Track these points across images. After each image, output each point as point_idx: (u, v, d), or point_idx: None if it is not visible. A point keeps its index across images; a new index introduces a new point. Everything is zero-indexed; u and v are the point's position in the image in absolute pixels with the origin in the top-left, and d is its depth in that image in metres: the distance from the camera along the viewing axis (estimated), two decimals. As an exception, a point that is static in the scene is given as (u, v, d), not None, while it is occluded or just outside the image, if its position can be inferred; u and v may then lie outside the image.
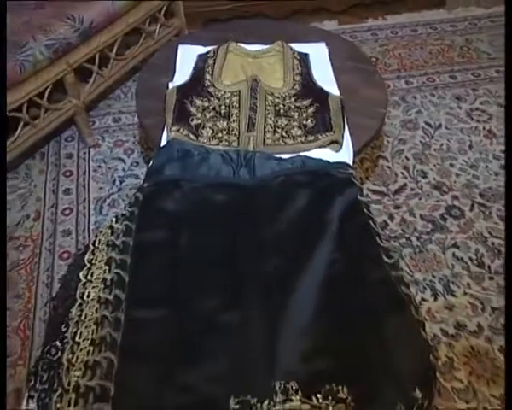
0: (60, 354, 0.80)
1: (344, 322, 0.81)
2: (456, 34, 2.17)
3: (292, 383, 0.72)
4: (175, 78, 1.32)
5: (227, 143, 1.13)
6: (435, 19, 2.25)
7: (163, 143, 1.15)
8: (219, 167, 1.05)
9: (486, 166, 1.60)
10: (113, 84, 1.77)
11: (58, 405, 0.73)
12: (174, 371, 0.75)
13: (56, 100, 1.57)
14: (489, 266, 1.34)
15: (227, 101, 1.20)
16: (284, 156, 1.08)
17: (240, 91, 1.21)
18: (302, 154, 1.10)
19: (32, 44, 1.41)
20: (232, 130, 1.15)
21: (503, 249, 1.37)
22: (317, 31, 1.67)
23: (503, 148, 1.66)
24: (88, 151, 1.69)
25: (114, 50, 1.66)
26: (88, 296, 0.86)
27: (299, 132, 1.15)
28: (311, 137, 1.14)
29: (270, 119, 1.16)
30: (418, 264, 1.35)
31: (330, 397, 0.71)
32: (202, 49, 1.39)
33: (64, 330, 0.82)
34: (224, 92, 1.22)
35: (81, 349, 0.78)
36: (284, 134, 1.14)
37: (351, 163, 1.09)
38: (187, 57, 1.37)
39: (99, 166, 1.64)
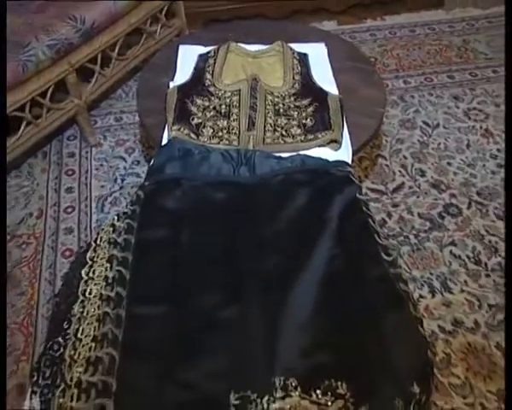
0: (62, 350, 0.79)
1: (343, 318, 0.81)
2: (453, 35, 2.17)
3: (291, 379, 0.72)
4: (176, 77, 1.32)
5: (227, 141, 1.12)
6: (433, 19, 2.25)
7: (164, 142, 1.14)
8: (220, 166, 1.05)
9: (483, 165, 1.60)
10: (115, 83, 1.77)
11: (61, 400, 0.73)
12: (175, 367, 0.75)
13: (58, 99, 1.56)
14: (486, 264, 1.34)
15: (227, 100, 1.20)
16: (284, 155, 1.08)
17: (240, 91, 1.21)
18: (301, 152, 1.10)
19: (35, 45, 1.41)
20: (232, 129, 1.14)
21: (499, 247, 1.37)
22: (317, 31, 1.66)
23: (499, 147, 1.66)
24: (90, 150, 1.69)
25: (116, 50, 1.66)
26: (90, 293, 0.85)
27: (299, 131, 1.14)
28: (310, 136, 1.14)
29: (270, 118, 1.16)
30: (416, 261, 1.35)
31: (329, 393, 0.71)
32: (203, 49, 1.39)
33: (66, 326, 0.82)
34: (225, 92, 1.22)
35: (83, 345, 0.78)
36: (284, 133, 1.14)
37: (350, 162, 1.09)
38: (188, 57, 1.37)
39: (101, 165, 1.64)
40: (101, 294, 0.84)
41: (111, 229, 0.96)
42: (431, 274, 1.32)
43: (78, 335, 0.80)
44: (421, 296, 1.27)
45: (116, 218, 0.98)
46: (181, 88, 1.24)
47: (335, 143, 1.13)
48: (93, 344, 0.77)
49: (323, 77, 1.29)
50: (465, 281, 1.30)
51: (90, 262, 0.91)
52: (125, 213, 0.97)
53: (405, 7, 2.29)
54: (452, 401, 1.08)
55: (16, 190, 1.57)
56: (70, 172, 1.62)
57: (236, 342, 0.78)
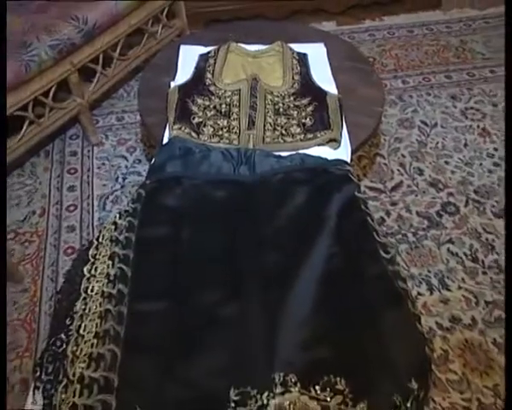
0: (65, 346, 0.79)
1: (342, 315, 0.80)
2: (451, 35, 2.16)
3: (291, 375, 0.72)
4: (177, 77, 1.31)
5: (227, 140, 1.12)
6: (431, 20, 2.25)
7: (165, 141, 1.14)
8: (220, 165, 1.05)
9: (481, 164, 1.60)
10: (117, 83, 1.77)
11: (63, 395, 0.73)
12: (176, 363, 0.75)
13: (61, 99, 1.56)
14: (483, 261, 1.34)
15: (227, 99, 1.20)
16: (283, 154, 1.08)
17: (240, 90, 1.21)
18: (301, 151, 1.09)
19: (37, 45, 1.40)
20: (233, 128, 1.14)
21: (496, 245, 1.37)
22: (316, 31, 1.66)
23: (496, 146, 1.66)
24: (92, 149, 1.69)
25: (118, 51, 1.65)
26: (92, 291, 0.85)
27: (298, 130, 1.14)
28: (309, 135, 1.13)
29: (270, 117, 1.16)
30: (414, 259, 1.35)
31: (328, 389, 0.71)
32: (203, 49, 1.38)
33: (69, 323, 0.82)
34: (225, 91, 1.22)
35: (85, 342, 0.78)
36: (283, 132, 1.14)
37: (348, 161, 1.09)
38: (188, 57, 1.36)
39: (103, 164, 1.64)
40: (102, 291, 0.84)
41: (113, 227, 0.95)
42: (429, 272, 1.31)
43: (81, 331, 0.80)
44: (419, 294, 1.26)
45: (118, 216, 0.97)
46: (182, 87, 1.24)
47: (334, 142, 1.13)
48: (95, 341, 0.77)
49: (323, 77, 1.29)
50: (462, 278, 1.30)
51: (91, 260, 0.91)
52: (126, 211, 0.97)
53: (403, 8, 2.29)
54: (450, 397, 1.08)
55: (19, 188, 1.57)
56: (72, 171, 1.62)
57: (236, 338, 0.77)
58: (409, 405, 0.72)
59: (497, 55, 2.02)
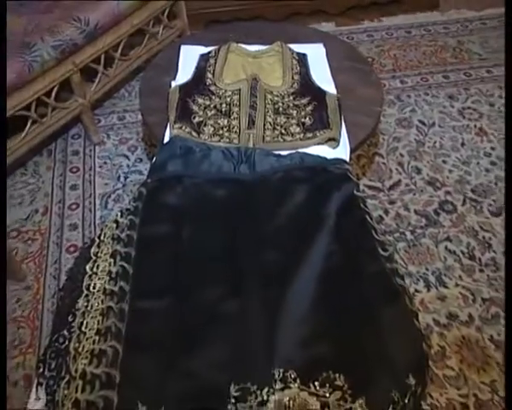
0: (67, 342, 0.79)
1: (341, 312, 0.80)
2: (448, 36, 2.16)
3: (290, 372, 0.72)
4: (177, 77, 1.31)
5: (228, 140, 1.12)
6: (429, 21, 2.24)
7: (166, 140, 1.14)
8: (220, 164, 1.05)
9: (478, 163, 1.60)
10: (118, 83, 1.77)
11: (66, 391, 0.73)
12: (177, 359, 0.75)
13: (63, 99, 1.56)
14: (480, 259, 1.33)
15: (228, 99, 1.20)
16: (283, 153, 1.08)
17: (240, 90, 1.21)
18: (300, 150, 1.09)
19: (40, 45, 1.40)
20: (233, 127, 1.14)
21: (493, 243, 1.37)
22: (315, 32, 1.65)
23: (493, 145, 1.66)
24: (94, 148, 1.68)
25: (119, 51, 1.65)
26: (94, 288, 0.85)
27: (298, 130, 1.14)
28: (309, 135, 1.13)
29: (270, 116, 1.16)
30: (412, 257, 1.34)
31: (327, 385, 0.71)
32: (204, 50, 1.38)
33: (71, 320, 0.82)
34: (225, 91, 1.22)
35: (87, 338, 0.78)
36: (283, 131, 1.13)
37: (347, 160, 1.09)
38: (189, 57, 1.36)
39: (104, 163, 1.63)
40: (104, 288, 0.84)
41: (114, 225, 0.95)
42: (426, 269, 1.31)
43: (83, 328, 0.80)
44: (416, 291, 1.26)
45: (119, 214, 0.97)
46: (183, 87, 1.24)
47: (333, 141, 1.12)
48: (97, 337, 0.77)
49: (322, 76, 1.29)
50: (460, 276, 1.30)
51: (93, 257, 0.91)
52: (127, 209, 0.97)
53: (402, 8, 2.28)
54: (447, 393, 1.08)
55: (22, 187, 1.56)
56: (74, 170, 1.62)
57: (237, 335, 0.77)
58: (406, 401, 0.72)
59: (494, 56, 2.02)
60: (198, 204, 0.98)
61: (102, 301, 0.82)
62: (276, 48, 1.36)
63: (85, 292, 0.85)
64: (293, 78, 1.26)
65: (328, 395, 0.70)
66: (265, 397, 0.70)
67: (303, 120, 1.16)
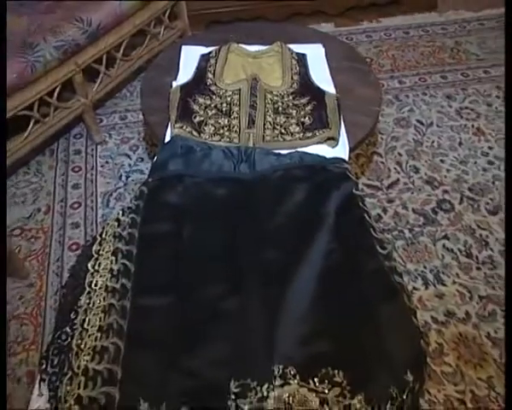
0: (69, 339, 0.79)
1: (340, 310, 0.80)
2: (446, 36, 2.15)
3: (290, 368, 0.72)
4: (178, 77, 1.31)
5: (228, 139, 1.12)
6: (427, 22, 2.24)
7: (167, 139, 1.14)
8: (221, 163, 1.04)
9: (475, 162, 1.59)
10: (120, 83, 1.76)
11: (68, 387, 0.73)
12: (178, 357, 0.75)
13: (65, 99, 1.56)
14: (477, 257, 1.33)
15: (228, 99, 1.19)
16: (283, 152, 1.08)
17: (240, 90, 1.20)
18: (300, 149, 1.09)
19: (43, 46, 1.40)
20: (233, 127, 1.14)
21: (490, 241, 1.37)
22: (315, 32, 1.65)
23: (490, 145, 1.65)
24: (95, 148, 1.68)
25: (121, 51, 1.64)
26: (96, 285, 0.85)
27: (297, 129, 1.14)
28: (308, 134, 1.13)
29: (270, 116, 1.15)
30: (410, 255, 1.34)
31: (326, 381, 0.71)
32: (205, 50, 1.38)
33: (73, 317, 0.82)
34: (226, 91, 1.21)
35: (89, 335, 0.78)
36: (283, 131, 1.13)
37: (346, 159, 1.08)
38: (190, 57, 1.36)
39: (106, 162, 1.63)
40: (106, 286, 0.84)
41: (116, 223, 0.95)
42: (424, 267, 1.31)
43: (85, 325, 0.80)
44: (414, 288, 1.26)
45: (121, 213, 0.97)
46: (183, 87, 1.23)
47: (333, 140, 1.12)
48: (99, 334, 0.77)
49: (321, 76, 1.28)
50: (457, 273, 1.30)
51: (95, 255, 0.91)
52: (129, 208, 0.97)
53: (400, 9, 2.28)
54: (444, 389, 1.08)
55: (25, 186, 1.56)
56: (76, 169, 1.61)
57: (237, 332, 0.77)
58: (405, 396, 0.72)
59: (492, 56, 2.01)
60: (198, 203, 0.97)
61: (104, 299, 0.82)
62: (275, 48, 1.35)
63: (87, 289, 0.85)
64: (292, 78, 1.26)
65: (327, 391, 0.70)
66: (265, 393, 0.70)
67: (302, 119, 1.16)
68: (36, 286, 1.30)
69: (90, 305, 0.82)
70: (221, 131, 1.13)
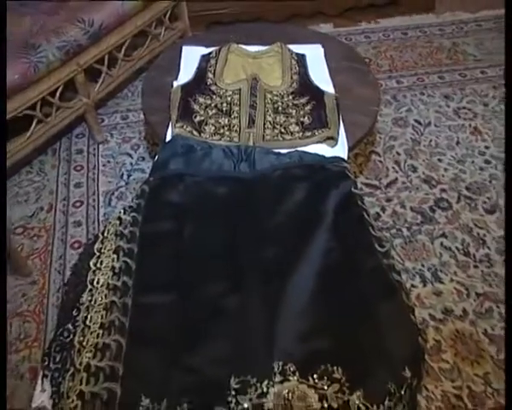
0: (72, 336, 0.79)
1: (339, 307, 0.80)
2: (444, 37, 2.15)
3: (290, 365, 0.72)
4: (179, 77, 1.30)
5: (228, 138, 1.11)
6: (424, 23, 2.23)
7: (168, 138, 1.14)
8: (221, 162, 1.04)
9: (472, 162, 1.59)
10: (121, 83, 1.76)
11: (70, 383, 0.73)
12: (179, 353, 0.75)
13: (67, 99, 1.55)
14: (474, 255, 1.33)
15: (228, 99, 1.19)
16: (283, 151, 1.08)
17: (240, 90, 1.20)
18: (299, 149, 1.09)
19: (46, 46, 1.39)
20: (233, 126, 1.13)
21: (487, 239, 1.37)
22: (314, 33, 1.65)
23: (487, 144, 1.65)
24: (97, 147, 1.68)
25: (122, 52, 1.64)
26: (98, 283, 0.85)
27: (297, 129, 1.13)
28: (307, 133, 1.13)
29: (270, 116, 1.15)
30: (408, 253, 1.34)
31: (326, 377, 0.71)
32: (205, 50, 1.38)
33: (75, 314, 0.82)
34: (226, 90, 1.21)
35: (91, 332, 0.78)
36: (282, 130, 1.13)
37: (345, 158, 1.08)
38: (190, 58, 1.36)
39: (108, 161, 1.63)
40: (108, 283, 0.84)
41: (117, 222, 0.95)
42: (422, 265, 1.31)
43: (87, 322, 0.79)
44: (413, 286, 1.26)
45: (122, 211, 0.97)
46: (184, 87, 1.23)
47: (332, 139, 1.12)
48: (101, 331, 0.77)
49: (320, 77, 1.28)
50: (454, 271, 1.29)
51: (97, 253, 0.91)
52: (130, 206, 0.97)
53: (398, 10, 2.27)
54: (442, 385, 1.08)
55: (28, 185, 1.56)
56: (78, 168, 1.61)
57: (237, 329, 0.77)
58: (403, 392, 0.72)
59: (489, 57, 2.01)
60: (199, 202, 0.97)
61: (106, 296, 0.82)
62: (275, 48, 1.35)
63: (89, 287, 0.85)
64: (292, 78, 1.26)
65: (326, 387, 0.70)
66: (265, 389, 0.70)
67: (302, 119, 1.15)
68: (38, 284, 1.30)
69: (92, 302, 0.82)
70: (221, 130, 1.13)
